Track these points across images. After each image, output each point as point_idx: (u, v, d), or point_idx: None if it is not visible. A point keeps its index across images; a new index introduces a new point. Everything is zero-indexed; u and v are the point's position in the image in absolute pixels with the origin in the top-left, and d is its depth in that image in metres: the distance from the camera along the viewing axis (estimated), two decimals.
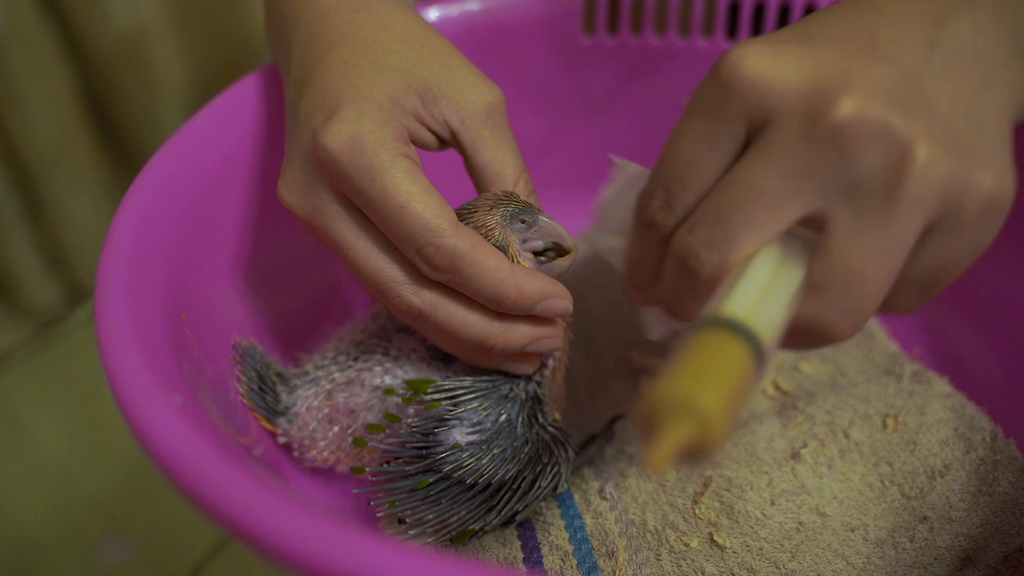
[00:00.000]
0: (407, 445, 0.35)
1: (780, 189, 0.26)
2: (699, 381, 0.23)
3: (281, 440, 0.38)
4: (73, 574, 0.54)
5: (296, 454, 0.38)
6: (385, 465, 0.35)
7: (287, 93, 0.36)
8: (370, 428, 0.36)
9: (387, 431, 0.36)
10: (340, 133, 0.31)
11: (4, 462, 0.60)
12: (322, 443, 0.37)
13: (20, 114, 0.65)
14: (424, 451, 0.34)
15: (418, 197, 0.31)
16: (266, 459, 0.37)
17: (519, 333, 0.34)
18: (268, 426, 0.38)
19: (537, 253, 0.35)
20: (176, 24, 0.67)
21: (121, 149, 0.72)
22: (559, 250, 0.35)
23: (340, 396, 0.37)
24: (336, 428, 0.37)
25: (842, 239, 0.26)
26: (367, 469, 0.36)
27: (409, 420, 0.35)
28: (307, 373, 0.39)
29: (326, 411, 0.37)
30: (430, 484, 0.34)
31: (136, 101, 0.68)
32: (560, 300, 0.34)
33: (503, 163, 0.35)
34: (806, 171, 0.26)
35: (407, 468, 0.34)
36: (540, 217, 0.34)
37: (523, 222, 0.34)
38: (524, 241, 0.34)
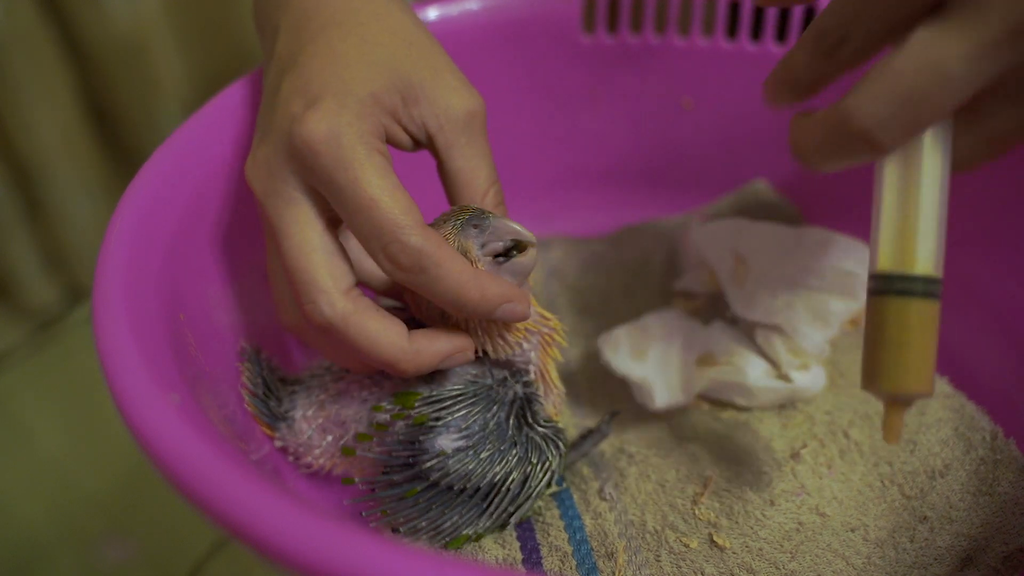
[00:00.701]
0: (394, 454, 0.35)
1: (969, 72, 0.25)
2: (908, 371, 0.28)
3: (278, 444, 0.38)
4: (72, 574, 0.54)
5: (291, 459, 0.38)
6: (380, 477, 0.35)
7: (267, 68, 0.36)
8: (359, 437, 0.36)
9: (375, 440, 0.36)
10: (319, 123, 0.31)
11: (3, 462, 0.60)
12: (317, 451, 0.37)
13: (20, 115, 0.65)
14: (411, 459, 0.34)
15: (389, 193, 0.31)
16: (266, 462, 0.37)
17: (429, 354, 0.33)
18: (269, 431, 0.38)
19: (497, 255, 0.34)
20: (175, 25, 0.67)
21: (120, 149, 0.72)
22: (520, 248, 0.34)
23: (332, 407, 0.37)
24: (330, 437, 0.37)
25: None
26: (357, 479, 0.36)
27: (396, 428, 0.35)
28: (304, 381, 0.39)
29: (320, 420, 0.37)
30: (419, 492, 0.34)
31: (135, 101, 0.68)
32: (520, 304, 0.33)
33: (475, 172, 0.35)
34: (998, 53, 0.25)
35: (395, 477, 0.34)
36: (490, 219, 0.33)
37: (475, 227, 0.33)
38: (483, 246, 0.33)
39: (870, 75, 0.26)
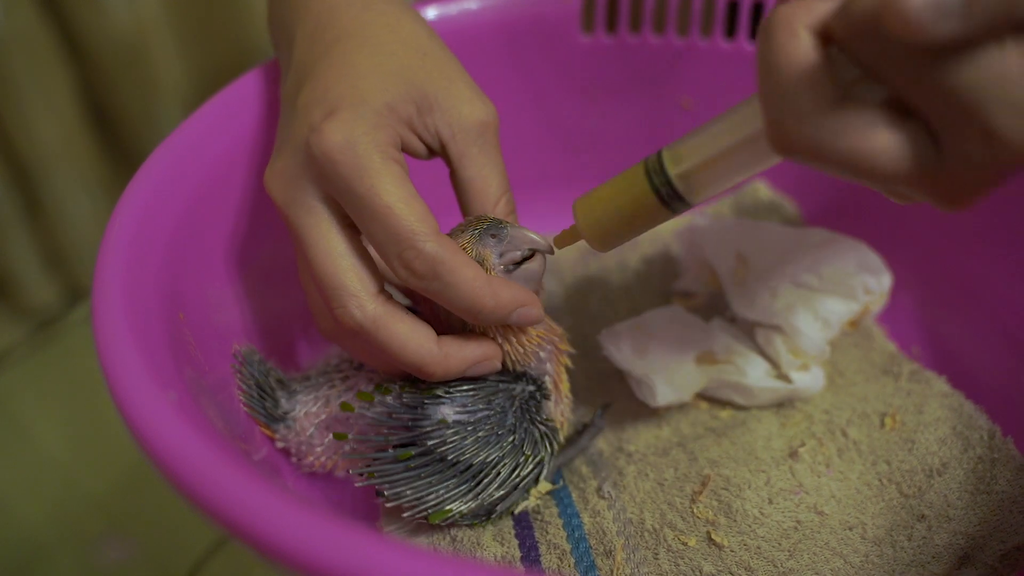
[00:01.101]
0: (394, 416, 0.35)
1: None
2: (592, 210, 0.33)
3: (279, 444, 0.38)
4: (72, 573, 0.54)
5: (294, 459, 0.38)
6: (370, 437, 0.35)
7: (285, 80, 0.36)
8: (359, 395, 0.36)
9: (376, 399, 0.36)
10: (336, 133, 0.31)
11: (3, 461, 0.60)
12: (319, 448, 0.38)
13: (20, 114, 0.65)
14: (410, 423, 0.35)
15: (404, 201, 0.31)
16: (266, 463, 0.37)
17: (457, 359, 0.34)
18: (268, 432, 0.38)
19: (514, 264, 0.35)
20: (175, 25, 0.67)
21: (120, 149, 0.72)
22: (535, 255, 0.35)
23: (336, 403, 0.37)
24: (331, 435, 0.37)
25: None
26: (349, 435, 0.36)
27: (398, 392, 0.36)
28: (309, 378, 0.39)
29: (323, 417, 0.37)
30: (412, 456, 0.34)
31: (135, 101, 0.68)
32: (533, 308, 0.34)
33: (487, 181, 0.36)
34: None
35: (391, 438, 0.35)
36: (508, 228, 0.34)
37: (493, 236, 0.34)
38: (501, 255, 0.34)
39: None
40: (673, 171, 0.30)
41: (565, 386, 0.38)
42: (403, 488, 0.35)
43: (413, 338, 0.33)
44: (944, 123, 0.23)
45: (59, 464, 0.60)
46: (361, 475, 0.35)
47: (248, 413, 0.37)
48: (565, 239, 0.35)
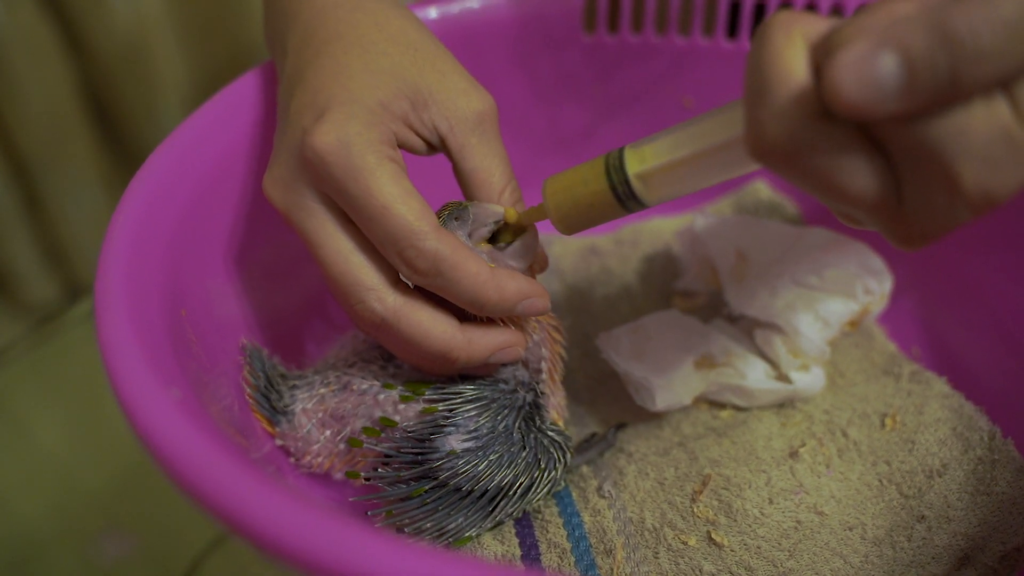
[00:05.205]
0: (402, 450, 0.35)
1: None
2: (556, 193, 0.32)
3: (278, 442, 0.38)
4: (71, 570, 0.54)
5: (293, 459, 0.38)
6: (380, 470, 0.35)
7: (280, 88, 0.36)
8: (365, 431, 0.36)
9: (382, 435, 0.36)
10: (328, 134, 0.31)
11: (2, 458, 0.60)
12: (316, 447, 0.37)
13: (20, 111, 0.65)
14: (419, 457, 0.34)
15: (401, 199, 0.31)
16: (268, 461, 0.37)
17: (481, 345, 0.34)
18: (268, 427, 0.38)
19: (491, 241, 0.34)
20: (177, 23, 0.67)
21: (121, 146, 0.72)
22: (514, 231, 0.35)
23: (332, 400, 0.37)
24: (328, 432, 0.37)
25: None
26: (361, 474, 0.36)
27: (404, 424, 0.35)
28: (306, 376, 0.39)
29: (320, 415, 0.37)
30: (426, 492, 0.34)
31: (136, 99, 0.69)
32: (539, 299, 0.34)
33: (489, 171, 0.35)
34: None
35: (402, 474, 0.35)
36: (470, 208, 0.34)
37: (457, 219, 0.34)
38: (470, 235, 0.34)
39: None
40: (632, 171, 0.30)
41: (558, 377, 0.38)
42: (422, 522, 0.35)
43: (436, 325, 0.33)
44: (908, 168, 0.23)
45: (58, 461, 0.60)
46: (379, 515, 0.35)
47: (252, 406, 0.37)
48: (532, 215, 0.34)
